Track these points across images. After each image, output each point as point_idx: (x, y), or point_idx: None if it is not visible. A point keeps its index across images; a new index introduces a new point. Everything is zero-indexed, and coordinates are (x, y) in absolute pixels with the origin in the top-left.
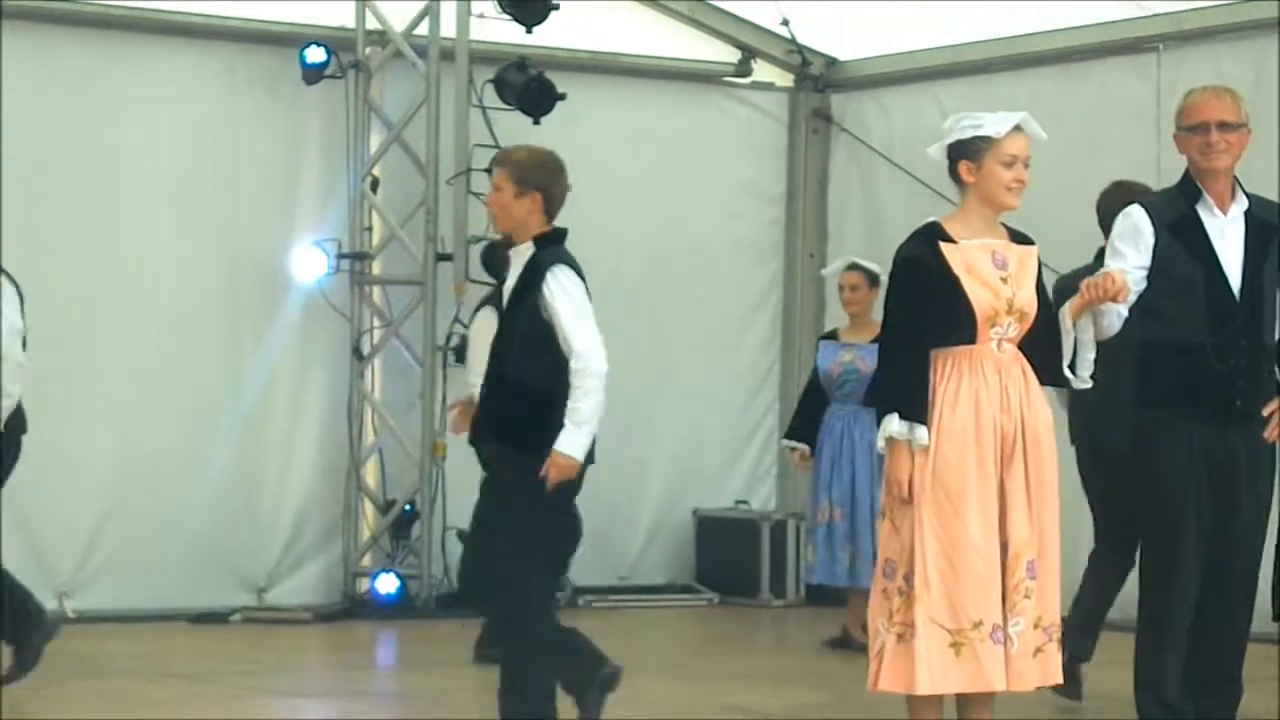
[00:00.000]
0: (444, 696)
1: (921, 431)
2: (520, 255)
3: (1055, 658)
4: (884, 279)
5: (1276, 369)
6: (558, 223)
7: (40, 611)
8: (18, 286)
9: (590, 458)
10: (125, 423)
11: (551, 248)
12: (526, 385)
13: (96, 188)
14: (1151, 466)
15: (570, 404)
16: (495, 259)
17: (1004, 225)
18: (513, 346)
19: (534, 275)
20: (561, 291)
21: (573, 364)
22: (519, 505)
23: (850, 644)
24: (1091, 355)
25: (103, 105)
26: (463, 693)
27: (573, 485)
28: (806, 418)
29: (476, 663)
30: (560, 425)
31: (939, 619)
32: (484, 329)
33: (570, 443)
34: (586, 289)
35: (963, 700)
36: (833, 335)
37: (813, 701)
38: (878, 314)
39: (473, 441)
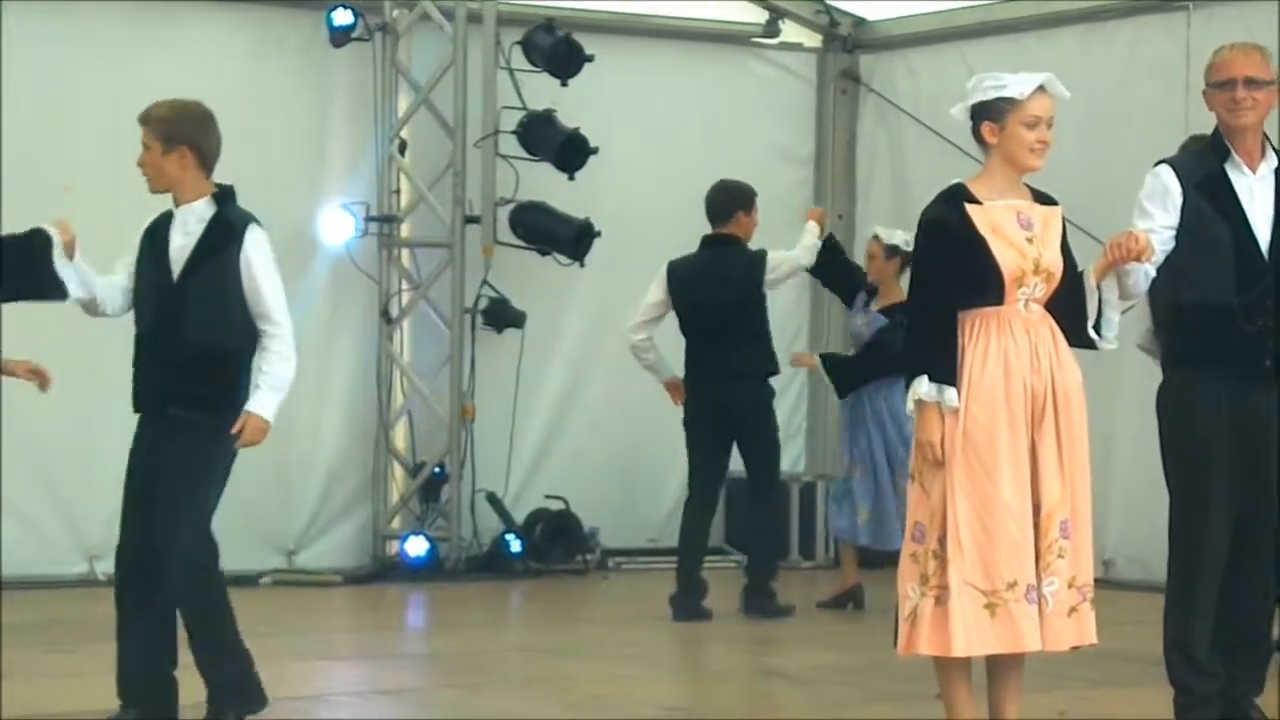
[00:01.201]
0: (474, 659)
1: (951, 393)
2: (191, 213)
3: (1089, 617)
4: (904, 247)
5: None
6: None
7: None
8: None
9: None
10: None
11: (233, 204)
12: (213, 347)
13: (127, 153)
14: (1179, 426)
15: (266, 368)
16: (529, 221)
17: (1028, 185)
18: (188, 308)
19: (225, 233)
20: (261, 252)
21: (269, 328)
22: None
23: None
24: (1117, 316)
25: (133, 72)
26: (493, 655)
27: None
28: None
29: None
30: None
31: (973, 581)
32: None
33: (268, 410)
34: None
35: (994, 661)
36: (873, 293)
37: (845, 664)
38: (904, 283)
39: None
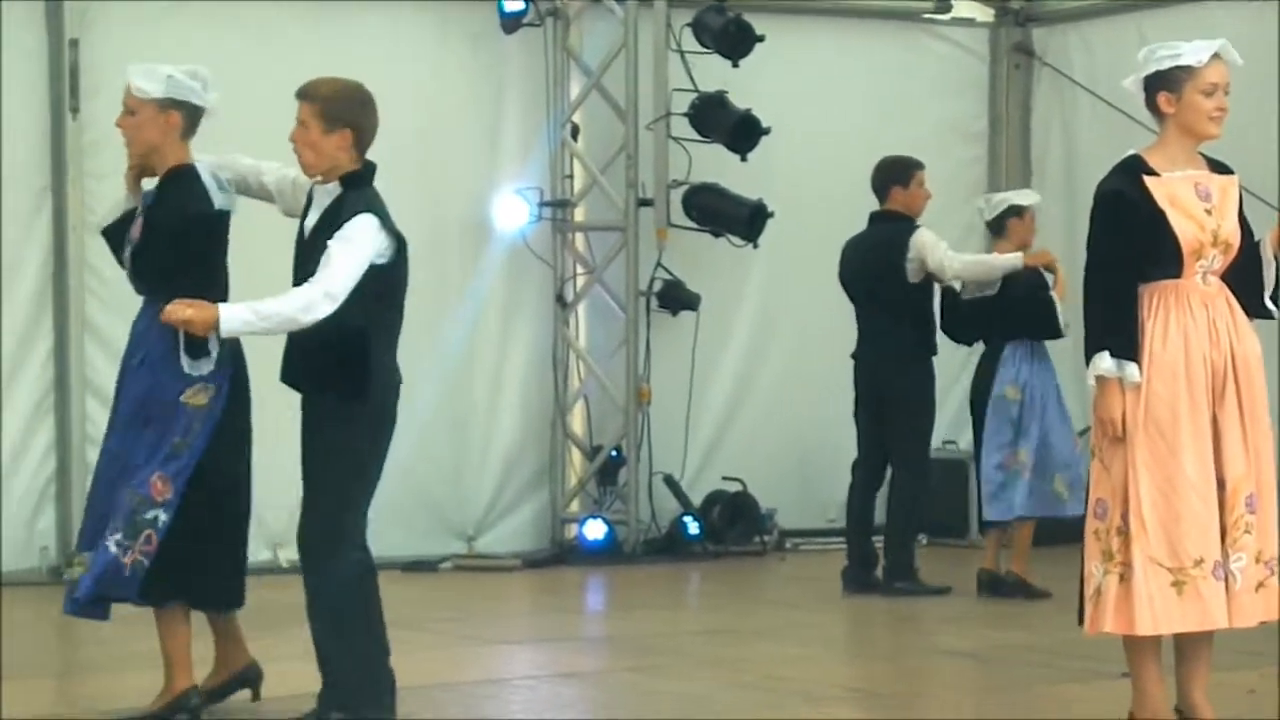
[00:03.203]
0: (652, 641)
1: (1133, 369)
2: (326, 193)
3: (1275, 591)
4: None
5: None
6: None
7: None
8: None
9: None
10: None
11: (359, 190)
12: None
13: None
14: None
15: (274, 300)
16: (702, 203)
17: (1203, 155)
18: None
19: (335, 220)
20: (349, 234)
21: (312, 288)
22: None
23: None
24: None
25: (313, 63)
26: (671, 637)
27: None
28: None
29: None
30: (377, 369)
31: (1158, 558)
32: None
33: (232, 315)
34: (388, 236)
35: (1182, 639)
36: None
37: (1025, 643)
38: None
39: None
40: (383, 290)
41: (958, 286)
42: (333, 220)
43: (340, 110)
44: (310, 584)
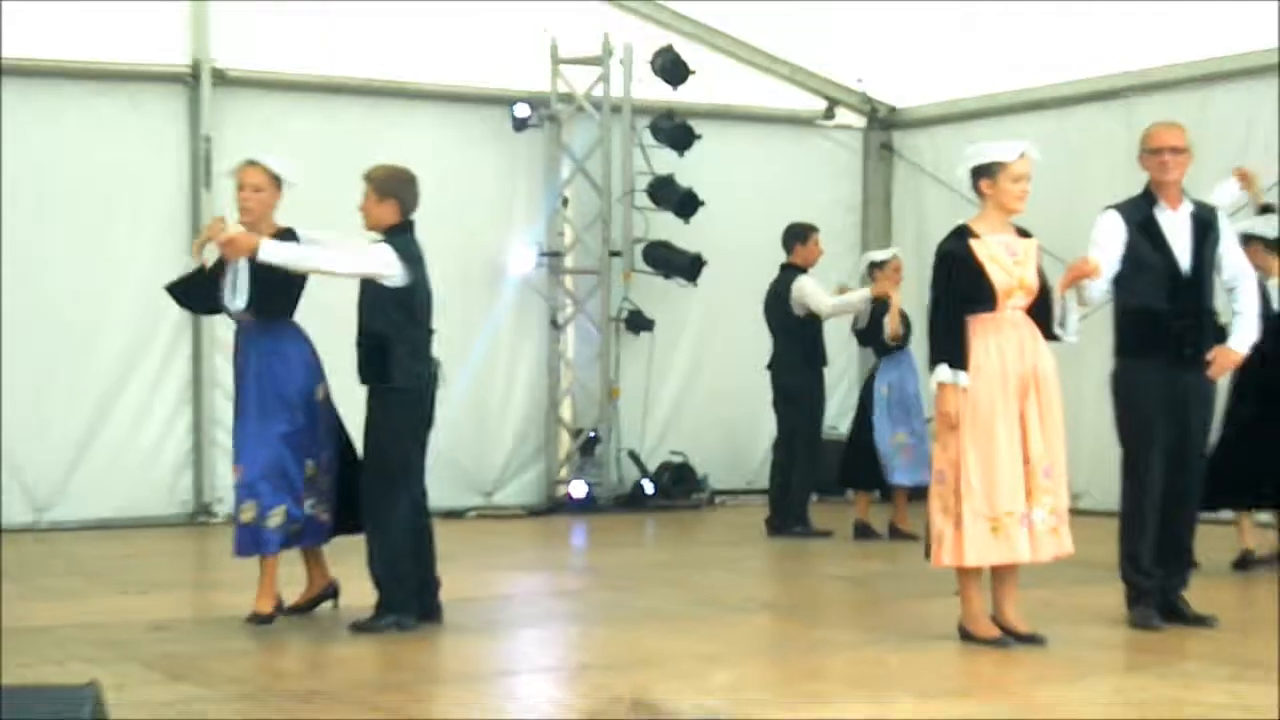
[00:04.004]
0: (621, 569)
1: (963, 376)
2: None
3: (1066, 535)
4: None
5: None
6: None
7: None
8: None
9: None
10: None
11: (394, 236)
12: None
13: None
14: (1127, 398)
15: (326, 246)
16: (656, 254)
17: (1013, 224)
18: (362, 307)
19: None
20: (368, 248)
21: (340, 257)
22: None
23: (867, 533)
24: (1077, 317)
25: (379, 151)
26: (635, 566)
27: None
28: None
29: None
30: (399, 365)
31: (981, 511)
32: None
33: (272, 244)
34: (412, 261)
35: (997, 568)
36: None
37: (889, 571)
38: None
39: None
40: (403, 307)
41: (832, 318)
42: None
43: (389, 187)
44: (368, 520)
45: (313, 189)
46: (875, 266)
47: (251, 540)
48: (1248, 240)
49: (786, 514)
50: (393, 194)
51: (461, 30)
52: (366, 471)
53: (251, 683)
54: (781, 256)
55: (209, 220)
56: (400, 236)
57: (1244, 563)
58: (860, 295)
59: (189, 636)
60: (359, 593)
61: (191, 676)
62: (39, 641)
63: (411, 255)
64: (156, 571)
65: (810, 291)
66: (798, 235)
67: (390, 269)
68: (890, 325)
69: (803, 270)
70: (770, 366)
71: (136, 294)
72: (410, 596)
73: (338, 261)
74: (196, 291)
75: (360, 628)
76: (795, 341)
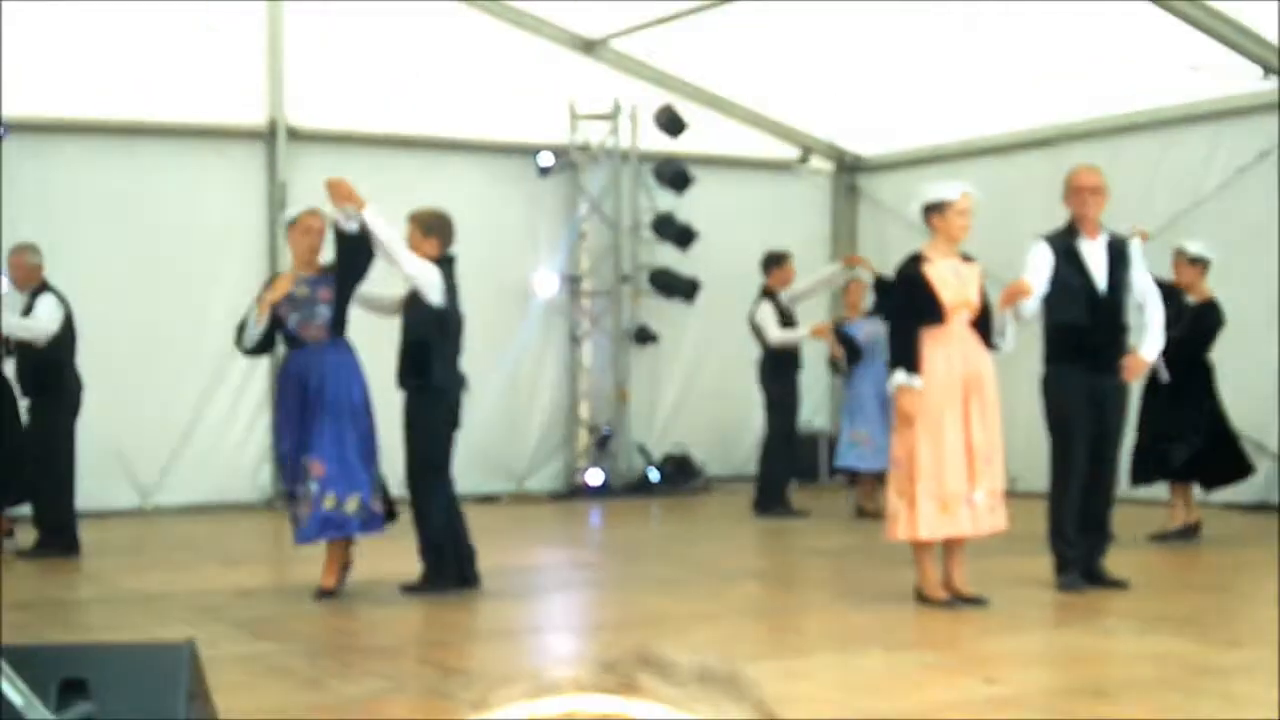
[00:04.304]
0: (632, 544)
1: (918, 379)
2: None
3: (1003, 513)
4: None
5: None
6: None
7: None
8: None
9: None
10: None
11: (441, 264)
12: (414, 341)
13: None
14: (1054, 398)
15: (400, 245)
16: (660, 279)
17: (958, 251)
18: (406, 320)
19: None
20: (423, 263)
21: (415, 264)
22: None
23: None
24: (1012, 330)
25: (422, 196)
26: (643, 541)
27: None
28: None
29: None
30: (436, 369)
31: (932, 492)
32: None
33: (377, 214)
34: (450, 288)
35: (946, 542)
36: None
37: (856, 545)
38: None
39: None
40: (440, 324)
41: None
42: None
43: (432, 225)
44: (413, 507)
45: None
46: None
47: (334, 525)
48: (1176, 255)
49: (770, 497)
50: (435, 231)
51: (495, 91)
52: (410, 466)
53: (321, 640)
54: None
55: (272, 284)
56: (442, 268)
57: (1185, 533)
58: (799, 335)
59: (269, 601)
60: (404, 566)
61: (272, 635)
62: (147, 607)
63: (450, 283)
64: (241, 548)
65: (764, 321)
66: (773, 261)
67: (435, 288)
68: (831, 350)
69: (775, 293)
70: (758, 369)
71: (224, 316)
72: (450, 568)
73: (408, 255)
74: (261, 348)
75: (410, 589)
76: (773, 351)
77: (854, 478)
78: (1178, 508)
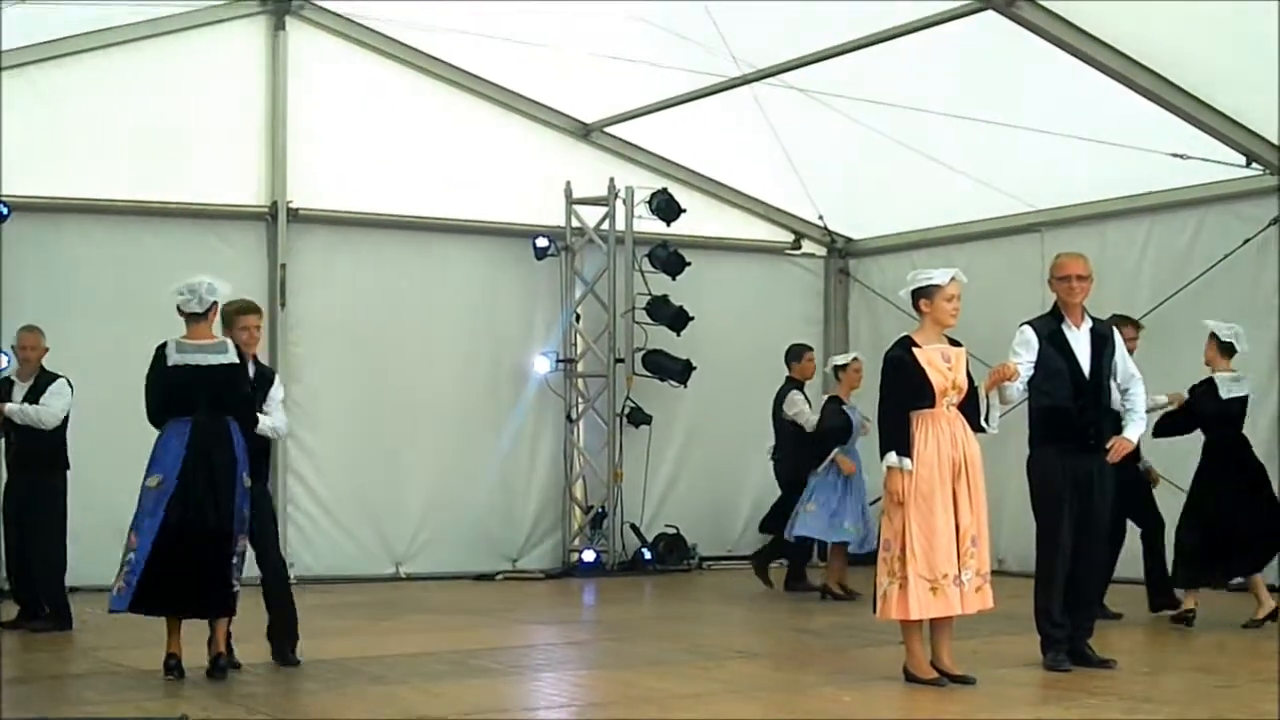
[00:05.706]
0: (624, 622)
1: (908, 461)
2: None
3: (989, 593)
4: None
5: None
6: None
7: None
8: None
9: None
10: (438, 456)
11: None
12: None
13: (419, 329)
14: (1041, 480)
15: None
16: (653, 361)
17: (946, 336)
18: None
19: None
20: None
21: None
22: None
23: (828, 594)
24: (998, 413)
25: (420, 277)
26: (635, 620)
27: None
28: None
29: (788, 591)
30: None
31: (922, 573)
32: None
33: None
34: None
35: (934, 622)
36: (836, 398)
37: (845, 624)
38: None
39: None
40: None
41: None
42: None
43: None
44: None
45: (368, 305)
46: (839, 369)
47: None
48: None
49: (791, 574)
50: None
51: (492, 176)
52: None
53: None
54: (755, 365)
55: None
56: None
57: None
58: (812, 419)
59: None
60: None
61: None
62: (142, 682)
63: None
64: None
65: (799, 410)
66: (794, 354)
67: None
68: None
69: (800, 383)
70: (772, 455)
71: None
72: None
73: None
74: None
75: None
76: (789, 438)
77: (807, 548)
78: (1262, 593)
